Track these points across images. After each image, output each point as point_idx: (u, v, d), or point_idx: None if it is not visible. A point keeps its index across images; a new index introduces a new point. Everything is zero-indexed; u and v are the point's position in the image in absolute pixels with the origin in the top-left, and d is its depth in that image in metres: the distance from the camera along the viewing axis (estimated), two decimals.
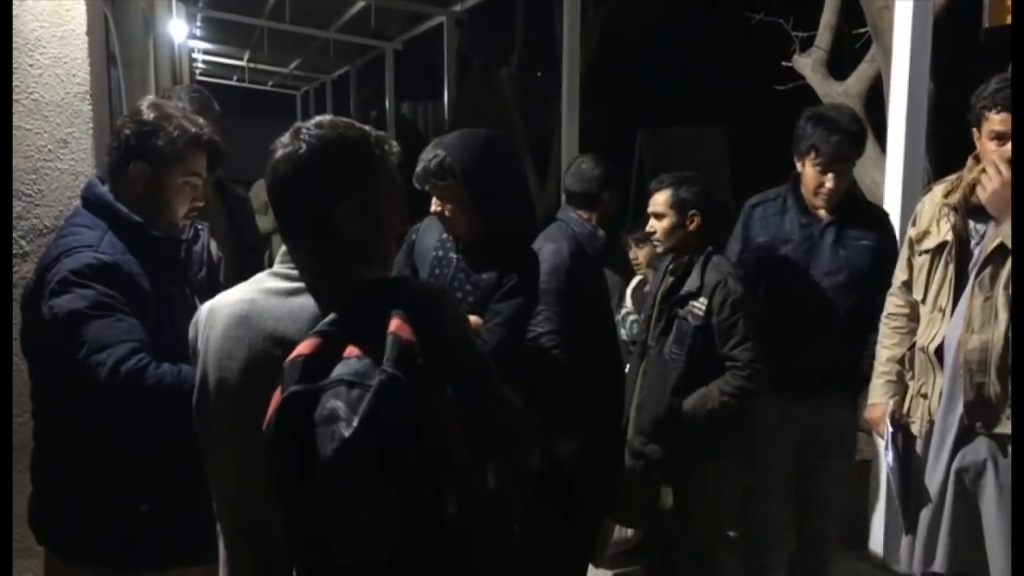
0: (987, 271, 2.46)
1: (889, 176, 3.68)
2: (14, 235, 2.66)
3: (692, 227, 3.04)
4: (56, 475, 2.06)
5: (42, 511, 2.10)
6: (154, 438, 1.96)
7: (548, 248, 2.83)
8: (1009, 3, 3.43)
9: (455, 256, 2.57)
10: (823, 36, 5.32)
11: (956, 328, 2.51)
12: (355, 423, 1.21)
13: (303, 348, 1.32)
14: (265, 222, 4.49)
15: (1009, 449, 2.46)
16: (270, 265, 1.66)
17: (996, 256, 2.45)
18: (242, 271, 2.94)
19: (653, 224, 3.10)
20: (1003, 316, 2.42)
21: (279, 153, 1.49)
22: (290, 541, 1.36)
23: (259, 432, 1.33)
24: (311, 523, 1.30)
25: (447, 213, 2.49)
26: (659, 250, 3.20)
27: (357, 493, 1.24)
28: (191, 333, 1.62)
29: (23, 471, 2.45)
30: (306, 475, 1.25)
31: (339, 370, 1.27)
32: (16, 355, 2.55)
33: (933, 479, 2.60)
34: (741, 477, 3.17)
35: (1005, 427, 2.45)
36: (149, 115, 2.03)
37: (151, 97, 2.16)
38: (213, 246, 2.83)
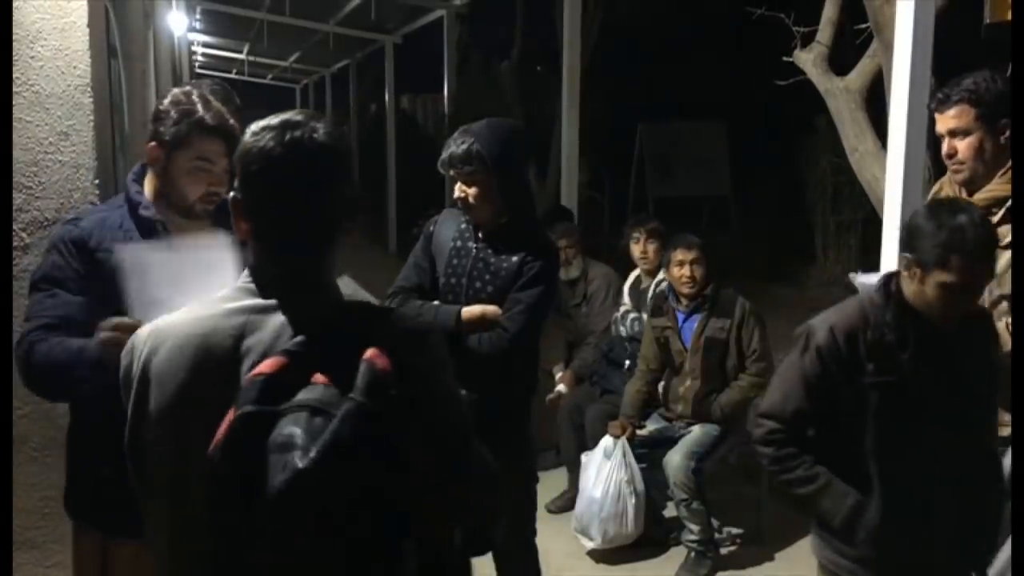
0: None
1: (890, 172, 3.67)
2: (15, 228, 2.65)
3: None
4: (92, 450, 2.03)
5: (81, 487, 2.10)
6: None
7: (817, 324, 2.17)
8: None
9: (474, 245, 2.65)
10: (824, 31, 5.31)
11: None
12: (313, 452, 1.09)
13: (265, 366, 1.19)
14: None
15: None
16: None
17: None
18: None
19: None
20: None
21: (320, 133, 1.31)
22: (223, 571, 1.21)
23: (203, 458, 1.18)
24: (250, 556, 1.15)
25: (471, 199, 2.57)
26: None
27: (304, 531, 1.11)
28: (124, 360, 1.38)
29: (23, 463, 2.46)
30: (250, 504, 1.12)
31: (303, 395, 1.16)
32: None
33: None
34: None
35: None
36: (165, 100, 2.10)
37: (187, 86, 2.20)
38: None
